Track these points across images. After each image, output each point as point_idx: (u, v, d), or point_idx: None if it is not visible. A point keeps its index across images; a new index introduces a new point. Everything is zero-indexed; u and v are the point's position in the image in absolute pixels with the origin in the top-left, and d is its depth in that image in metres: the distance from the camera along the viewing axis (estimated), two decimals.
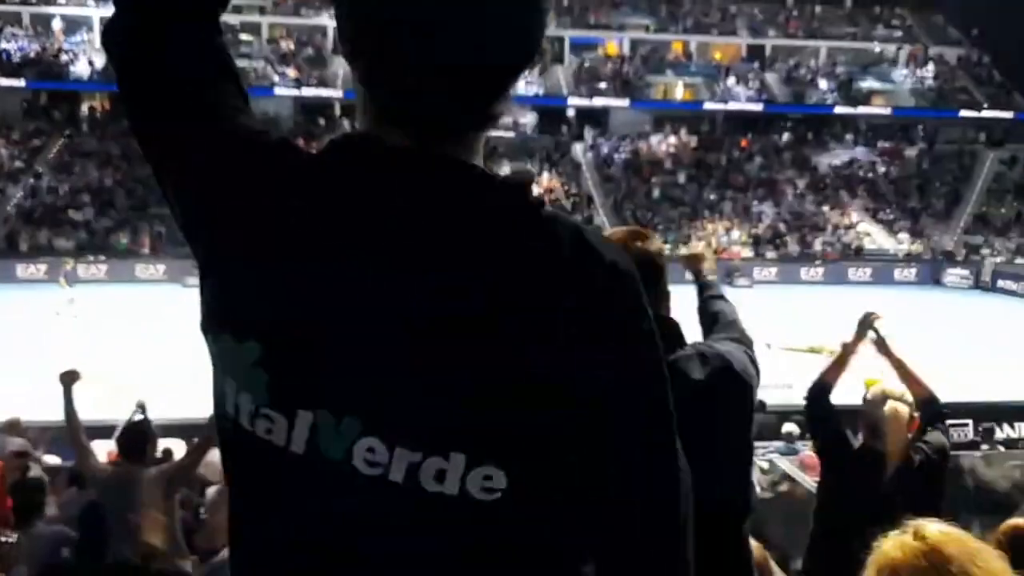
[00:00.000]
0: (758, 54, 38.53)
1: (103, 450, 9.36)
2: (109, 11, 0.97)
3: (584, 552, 0.82)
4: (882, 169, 35.80)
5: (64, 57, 33.26)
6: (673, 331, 1.87)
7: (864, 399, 3.37)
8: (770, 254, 30.14)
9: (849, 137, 37.64)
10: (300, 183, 0.81)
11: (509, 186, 0.80)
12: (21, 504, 4.32)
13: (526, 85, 34.81)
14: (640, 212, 31.44)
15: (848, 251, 30.72)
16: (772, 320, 21.43)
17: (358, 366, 0.75)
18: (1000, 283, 28.04)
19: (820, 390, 3.34)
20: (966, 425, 11.04)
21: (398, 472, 0.75)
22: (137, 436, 4.32)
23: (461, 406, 0.74)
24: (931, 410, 3.21)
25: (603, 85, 35.57)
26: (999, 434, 11.43)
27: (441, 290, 0.74)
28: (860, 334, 3.41)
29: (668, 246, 29.84)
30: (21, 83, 32.26)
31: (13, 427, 7.80)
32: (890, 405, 3.12)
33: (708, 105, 36.24)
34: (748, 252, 29.91)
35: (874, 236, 32.00)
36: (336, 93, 34.03)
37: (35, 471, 5.80)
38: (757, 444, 8.92)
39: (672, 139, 35.97)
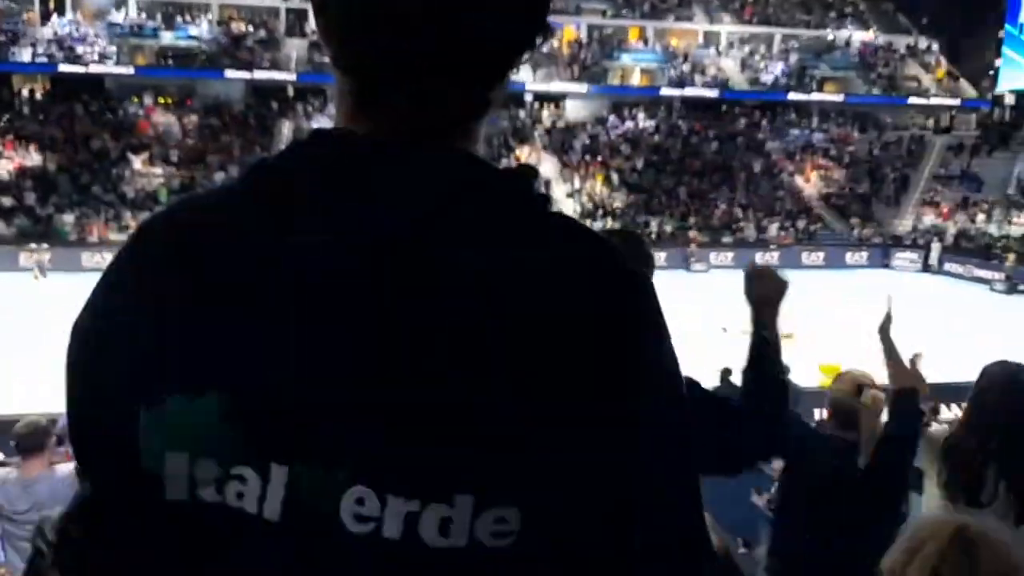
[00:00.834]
0: (714, 40, 38.79)
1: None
2: None
3: None
4: (834, 155, 36.38)
5: (0, 38, 32.05)
6: None
7: (833, 387, 3.26)
8: (726, 239, 30.45)
9: (803, 123, 38.17)
10: (258, 212, 0.65)
11: (523, 191, 0.67)
12: None
13: None
14: (598, 198, 31.51)
15: (801, 236, 31.19)
16: (728, 304, 21.68)
17: (341, 404, 0.60)
18: (947, 266, 28.76)
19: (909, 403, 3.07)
20: None
21: (393, 526, 0.60)
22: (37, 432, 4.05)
23: (466, 439, 0.60)
24: (907, 404, 3.02)
25: (561, 70, 35.49)
26: (946, 414, 11.69)
27: (439, 314, 0.60)
28: (884, 337, 3.27)
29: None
30: None
31: None
32: (868, 394, 3.02)
33: (665, 91, 36.40)
34: (704, 237, 30.17)
35: (827, 221, 32.56)
36: (289, 76, 33.36)
37: None
38: None
39: (629, 124, 36.08)
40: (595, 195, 31.59)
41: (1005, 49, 35.74)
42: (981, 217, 31.11)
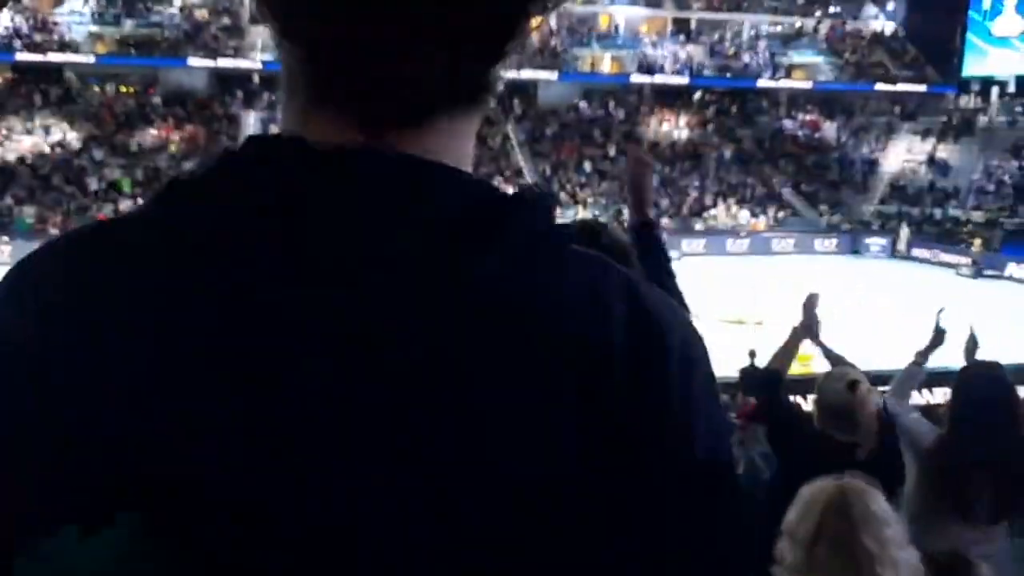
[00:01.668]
0: (684, 27, 38.77)
1: None
2: None
3: None
4: (803, 141, 36.60)
5: None
6: None
7: (825, 385, 3.11)
8: (697, 226, 30.53)
9: (772, 110, 38.34)
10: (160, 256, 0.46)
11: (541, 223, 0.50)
12: None
13: None
14: (571, 186, 31.41)
15: (771, 222, 31.36)
16: (700, 292, 21.73)
17: (285, 513, 0.44)
18: (914, 251, 29.08)
19: (770, 380, 3.06)
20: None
21: None
22: None
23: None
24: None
25: (530, 58, 35.25)
26: (918, 399, 11.80)
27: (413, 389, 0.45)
28: (809, 317, 3.15)
29: (601, 219, 29.97)
30: None
31: None
32: (862, 391, 2.88)
33: (635, 78, 36.33)
34: (675, 224, 30.22)
35: (796, 207, 32.77)
36: (254, 64, 32.76)
37: None
38: None
39: (600, 111, 36.01)
40: (567, 184, 31.49)
41: (969, 35, 36.14)
42: (949, 203, 31.48)
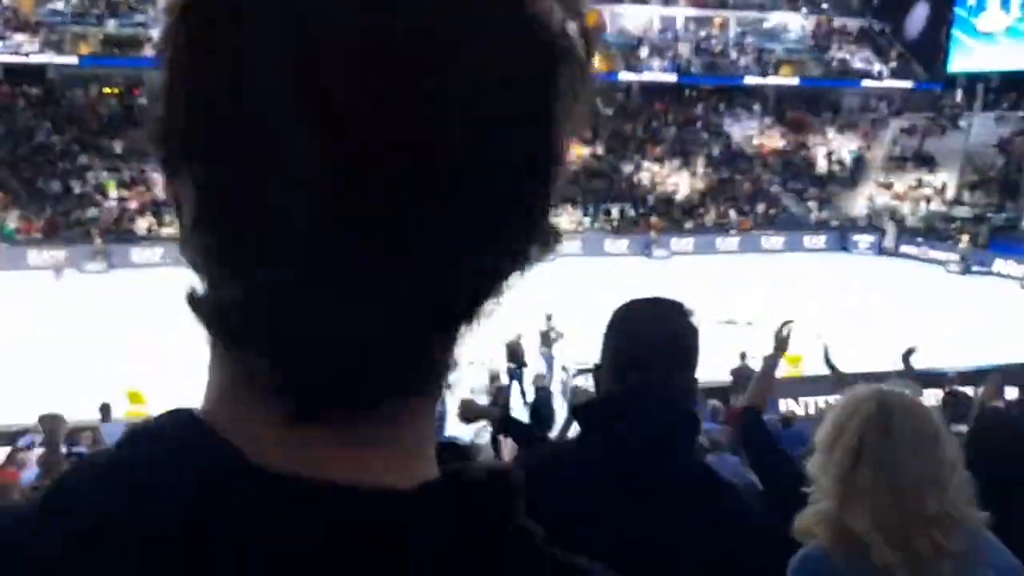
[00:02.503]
0: (670, 25, 38.75)
1: None
2: None
3: None
4: (792, 138, 36.67)
5: None
6: None
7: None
8: (687, 224, 30.53)
9: (758, 107, 38.38)
10: None
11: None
12: None
13: None
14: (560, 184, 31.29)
15: (760, 220, 31.39)
16: (690, 292, 21.71)
17: None
18: (903, 248, 29.18)
19: (754, 420, 2.90)
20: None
21: None
22: None
23: None
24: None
25: None
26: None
27: None
28: (780, 348, 3.03)
29: (587, 219, 29.92)
30: None
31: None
32: None
33: (623, 76, 36.28)
34: (664, 223, 30.20)
35: (785, 205, 32.82)
36: None
37: None
38: None
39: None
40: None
41: (955, 31, 36.27)
42: (936, 199, 31.60)
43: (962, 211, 30.32)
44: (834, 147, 36.25)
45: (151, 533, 0.36)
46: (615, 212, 30.18)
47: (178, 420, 0.40)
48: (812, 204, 32.82)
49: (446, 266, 0.38)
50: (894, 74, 38.48)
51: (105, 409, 8.28)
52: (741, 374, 11.28)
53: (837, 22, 40.67)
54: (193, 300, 0.40)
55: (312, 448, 0.38)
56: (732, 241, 30.05)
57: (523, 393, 13.21)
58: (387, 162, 0.35)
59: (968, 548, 1.45)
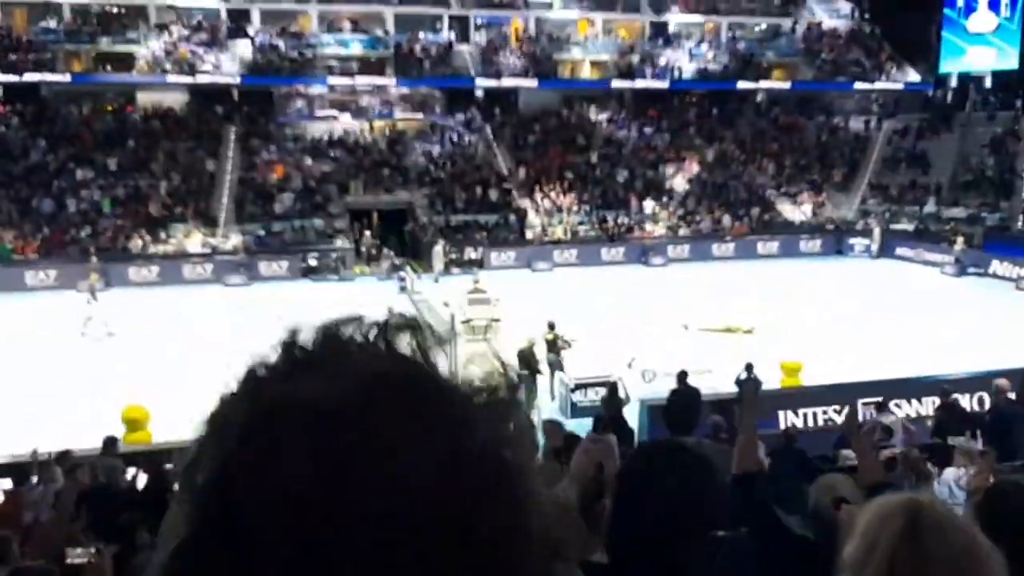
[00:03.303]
0: (662, 31, 38.86)
1: None
2: None
3: None
4: (784, 141, 36.75)
5: None
6: None
7: (811, 489, 2.99)
8: (683, 231, 30.56)
9: (751, 112, 38.48)
10: None
11: None
12: None
13: (432, 67, 34.17)
14: (554, 192, 31.36)
15: (755, 225, 31.43)
16: (687, 299, 21.76)
17: None
18: (898, 250, 29.18)
19: (746, 484, 2.84)
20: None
21: None
22: None
23: None
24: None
25: (510, 64, 35.21)
26: (906, 408, 11.80)
27: None
28: (749, 407, 3.01)
29: (584, 227, 29.96)
30: None
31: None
32: (847, 511, 2.77)
33: (615, 83, 36.37)
34: (661, 230, 30.24)
35: (780, 208, 32.87)
36: (233, 79, 32.52)
37: None
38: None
39: (581, 117, 36.01)
40: (551, 192, 31.43)
41: (945, 32, 36.43)
42: (930, 200, 31.67)
43: (956, 211, 30.41)
44: (827, 150, 36.33)
45: None
46: (610, 220, 30.20)
47: None
48: (807, 208, 32.87)
49: None
50: (885, 76, 38.61)
51: (110, 443, 8.09)
52: (747, 387, 11.21)
53: (827, 25, 40.81)
54: None
55: None
56: (728, 247, 30.10)
57: (532, 402, 13.32)
58: None
59: None
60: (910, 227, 30.52)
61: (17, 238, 25.92)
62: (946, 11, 36.33)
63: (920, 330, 18.16)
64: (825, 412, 11.65)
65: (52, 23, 32.72)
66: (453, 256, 27.34)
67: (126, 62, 32.46)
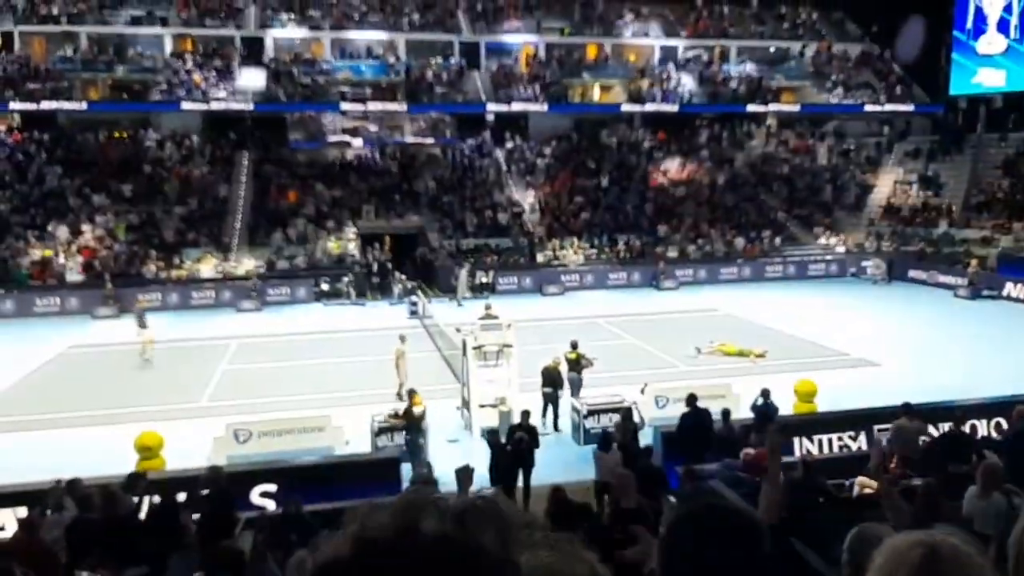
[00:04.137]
0: (671, 55, 39.08)
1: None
2: None
3: None
4: (796, 163, 36.77)
5: None
6: None
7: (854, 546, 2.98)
8: (693, 254, 30.53)
9: (762, 135, 38.57)
10: None
11: None
12: None
13: (443, 93, 34.46)
14: (565, 218, 31.43)
15: (766, 247, 31.36)
16: (700, 323, 21.71)
17: None
18: (911, 273, 28.98)
19: (776, 534, 2.82)
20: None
21: None
22: None
23: None
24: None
25: (521, 90, 35.45)
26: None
27: None
28: (775, 453, 3.00)
29: (595, 250, 29.93)
30: None
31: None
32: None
33: (625, 107, 36.55)
34: (673, 252, 30.21)
35: (791, 231, 32.82)
36: (246, 106, 32.89)
37: None
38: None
39: (591, 141, 36.18)
40: (561, 215, 31.51)
41: (955, 54, 36.47)
42: (943, 222, 31.55)
43: (969, 233, 30.25)
44: (838, 173, 36.32)
45: None
46: (621, 244, 30.22)
47: None
48: (818, 230, 32.81)
49: None
50: (895, 98, 38.65)
51: (134, 479, 7.94)
52: (763, 413, 11.13)
53: (837, 48, 40.95)
54: None
55: None
56: (738, 270, 30.05)
57: (556, 417, 13.42)
58: None
59: None
60: (922, 249, 30.32)
61: (34, 264, 26.16)
62: (955, 33, 36.39)
63: (933, 354, 18.02)
64: (840, 439, 11.54)
65: (69, 51, 33.24)
66: (473, 280, 27.42)
67: (141, 90, 32.89)
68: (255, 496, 9.71)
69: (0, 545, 6.90)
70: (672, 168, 35.22)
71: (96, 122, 33.08)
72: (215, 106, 32.46)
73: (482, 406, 12.99)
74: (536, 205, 32.16)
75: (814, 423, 11.80)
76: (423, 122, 35.29)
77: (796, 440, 11.22)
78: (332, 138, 34.07)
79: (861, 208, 34.49)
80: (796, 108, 38.39)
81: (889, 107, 38.39)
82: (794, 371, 14.93)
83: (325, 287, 26.80)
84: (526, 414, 10.80)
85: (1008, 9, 34.16)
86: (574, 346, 14.24)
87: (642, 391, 13.46)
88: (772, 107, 38.04)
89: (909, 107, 38.64)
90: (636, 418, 11.11)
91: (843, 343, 18.83)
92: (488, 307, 18.76)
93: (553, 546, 0.68)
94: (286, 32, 35.38)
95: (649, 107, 36.21)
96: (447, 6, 37.91)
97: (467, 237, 29.91)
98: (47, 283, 25.75)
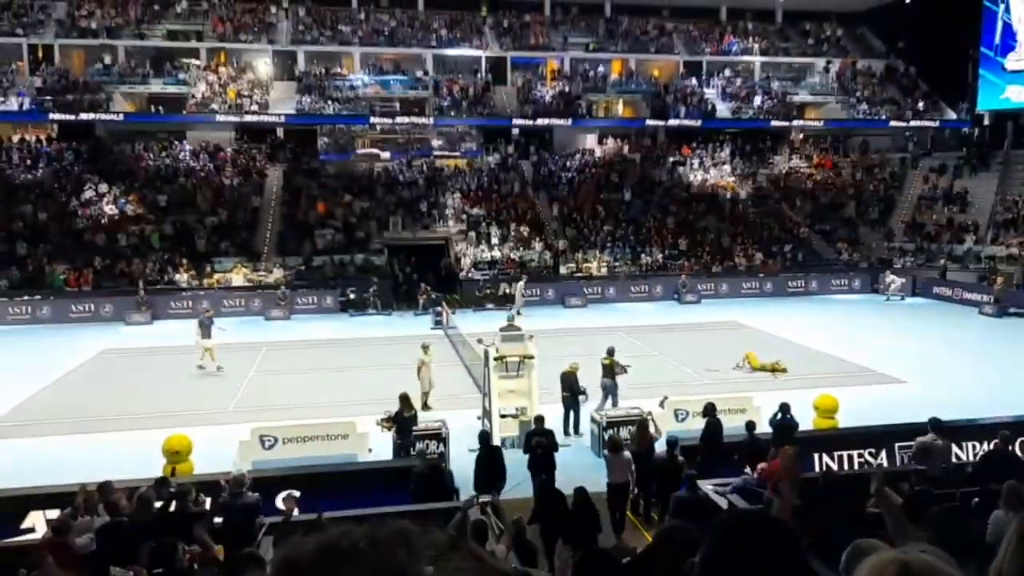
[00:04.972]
0: (695, 70, 39.30)
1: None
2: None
3: None
4: (819, 179, 36.76)
5: None
6: None
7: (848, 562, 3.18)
8: (715, 268, 30.63)
9: (785, 149, 38.61)
10: None
11: None
12: None
13: (470, 107, 34.96)
14: (588, 231, 31.69)
15: (789, 263, 31.37)
16: (721, 337, 21.84)
17: None
18: (936, 289, 28.86)
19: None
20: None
21: None
22: None
23: None
24: None
25: (546, 104, 35.86)
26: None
27: None
28: (788, 471, 3.17)
29: (617, 263, 30.17)
30: None
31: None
32: None
33: (649, 122, 36.81)
34: (694, 266, 30.32)
35: (814, 246, 32.80)
36: (277, 119, 33.61)
37: None
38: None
39: (615, 156, 36.45)
40: (585, 229, 31.75)
41: (982, 71, 36.34)
42: (968, 238, 31.38)
43: (995, 249, 30.07)
44: (862, 188, 36.25)
45: None
46: (644, 257, 30.41)
47: None
48: (841, 245, 32.76)
49: None
50: (920, 114, 38.52)
51: (162, 483, 8.16)
52: (782, 427, 11.22)
53: (861, 64, 40.92)
54: None
55: None
56: (760, 284, 30.10)
57: (578, 422, 13.64)
58: None
59: None
60: (947, 266, 30.17)
61: (70, 271, 26.90)
62: (983, 50, 36.27)
63: (958, 372, 18.01)
64: (861, 455, 11.60)
65: (107, 59, 34.18)
66: (488, 291, 27.76)
67: (177, 102, 33.74)
68: (279, 501, 9.95)
69: (30, 546, 7.11)
70: (695, 183, 35.44)
71: (132, 133, 34.00)
72: (248, 118, 33.22)
73: (503, 416, 13.25)
74: (560, 218, 32.46)
75: (833, 439, 11.89)
76: (449, 136, 35.81)
77: (815, 456, 11.34)
78: (361, 151, 34.70)
79: (885, 224, 34.38)
80: (820, 124, 38.41)
81: (915, 123, 38.27)
82: (816, 387, 15.03)
83: (351, 296, 27.27)
84: (540, 419, 11.06)
85: None
86: (610, 352, 14.45)
87: (662, 404, 13.65)
88: (796, 123, 38.10)
89: (935, 123, 38.51)
90: (652, 429, 11.31)
91: (867, 359, 18.85)
92: (511, 319, 19.05)
93: (463, 559, 0.82)
94: (317, 47, 36.16)
95: (673, 122, 36.43)
96: (474, 23, 38.51)
97: (492, 248, 30.26)
98: (82, 289, 26.47)
